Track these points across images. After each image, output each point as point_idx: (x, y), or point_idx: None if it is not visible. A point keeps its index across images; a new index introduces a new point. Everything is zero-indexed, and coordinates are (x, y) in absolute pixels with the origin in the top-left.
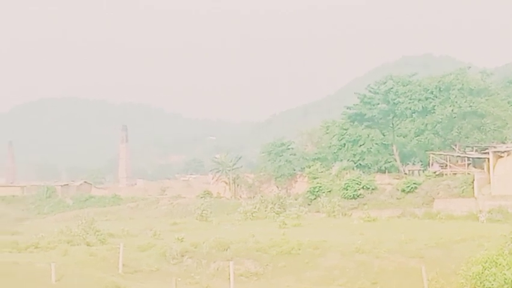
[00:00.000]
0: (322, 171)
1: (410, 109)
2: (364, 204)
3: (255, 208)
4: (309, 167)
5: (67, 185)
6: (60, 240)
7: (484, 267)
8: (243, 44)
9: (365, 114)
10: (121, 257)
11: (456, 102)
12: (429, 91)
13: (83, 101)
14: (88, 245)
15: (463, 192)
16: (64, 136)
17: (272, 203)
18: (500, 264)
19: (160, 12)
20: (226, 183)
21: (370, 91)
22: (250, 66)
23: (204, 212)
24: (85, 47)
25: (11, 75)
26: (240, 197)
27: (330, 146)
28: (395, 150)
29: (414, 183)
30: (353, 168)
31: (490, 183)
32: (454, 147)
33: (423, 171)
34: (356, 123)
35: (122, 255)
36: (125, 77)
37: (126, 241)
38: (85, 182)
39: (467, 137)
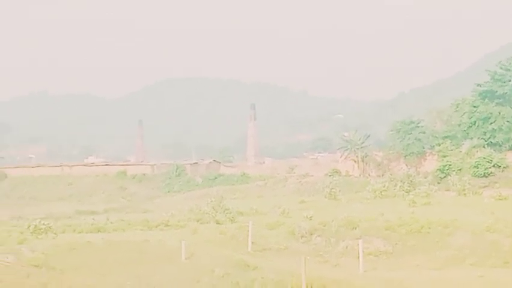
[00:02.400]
0: (452, 150)
1: None
2: (495, 183)
3: (384, 186)
4: (439, 145)
5: (196, 163)
6: (190, 218)
7: None
8: (370, 23)
9: (496, 92)
10: (250, 235)
11: None
12: None
13: (213, 80)
14: (217, 223)
15: None
16: (194, 115)
17: (401, 181)
18: None
19: None
20: (354, 161)
21: (501, 68)
22: (379, 45)
23: (332, 190)
24: (213, 31)
25: (143, 54)
26: (369, 175)
27: (460, 124)
28: None
29: None
30: (484, 146)
31: None
32: None
33: None
34: (486, 100)
35: (251, 233)
36: (253, 56)
37: (255, 219)
38: (214, 160)
39: None
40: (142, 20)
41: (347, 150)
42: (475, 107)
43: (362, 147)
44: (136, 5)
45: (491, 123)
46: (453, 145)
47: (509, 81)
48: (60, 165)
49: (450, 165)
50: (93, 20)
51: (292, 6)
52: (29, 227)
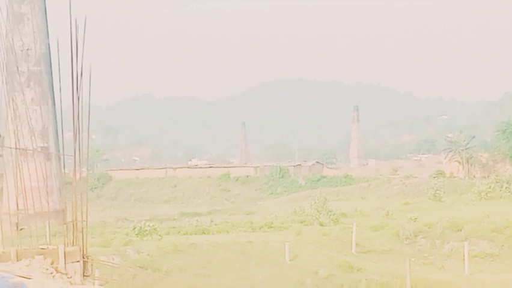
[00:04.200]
0: None
1: None
2: None
3: (489, 188)
4: None
5: (300, 165)
6: (293, 220)
7: None
8: (476, 23)
9: None
10: (354, 237)
11: None
12: None
13: (316, 83)
14: (320, 225)
15: None
16: (297, 117)
17: (507, 182)
18: None
19: None
20: (459, 162)
21: None
22: (484, 45)
23: (436, 191)
24: (316, 35)
25: (246, 57)
26: (474, 176)
27: None
28: None
29: None
30: None
31: None
32: None
33: None
34: None
35: (355, 234)
36: (357, 58)
37: (358, 221)
38: (317, 162)
39: None
40: (244, 24)
41: (451, 151)
42: None
43: (466, 149)
44: (240, 8)
45: None
46: None
47: None
48: (165, 168)
49: None
50: (194, 26)
51: (396, 6)
52: (134, 228)
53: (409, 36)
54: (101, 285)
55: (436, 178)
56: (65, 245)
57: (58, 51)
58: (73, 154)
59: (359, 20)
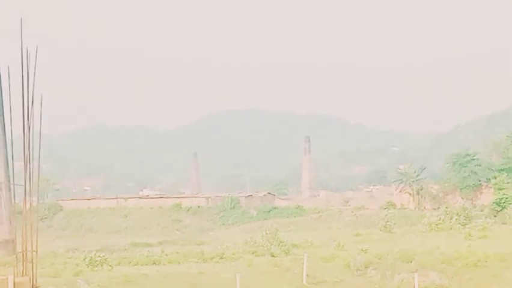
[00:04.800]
0: (508, 182)
1: None
2: None
3: (439, 219)
4: (495, 178)
5: (251, 196)
6: (244, 250)
7: None
8: (425, 55)
9: None
10: (305, 268)
11: None
12: None
13: (268, 113)
14: (272, 256)
15: None
16: (249, 147)
17: (457, 214)
18: None
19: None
20: (410, 194)
21: None
22: (433, 77)
23: (387, 223)
24: (266, 64)
25: (198, 87)
26: (424, 208)
27: None
28: None
29: None
30: None
31: None
32: None
33: None
34: None
35: (306, 265)
36: (308, 88)
37: (310, 252)
38: (269, 193)
39: None
40: (196, 52)
41: (402, 183)
42: None
43: (417, 180)
44: (192, 35)
45: None
46: (509, 178)
47: None
48: (116, 198)
49: (507, 198)
50: (144, 51)
51: (349, 39)
52: (84, 259)
53: (359, 67)
54: None
55: (387, 209)
56: (15, 275)
57: (9, 79)
58: (23, 184)
59: (311, 50)
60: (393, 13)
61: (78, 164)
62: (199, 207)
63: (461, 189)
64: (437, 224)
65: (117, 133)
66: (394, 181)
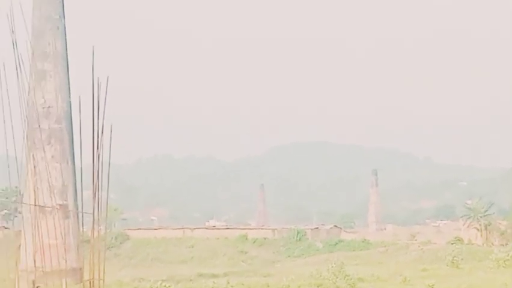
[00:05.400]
0: None
1: None
2: None
3: (507, 255)
4: None
5: (317, 228)
6: (310, 283)
7: None
8: (490, 93)
9: None
10: None
11: None
12: None
13: (336, 146)
14: None
15: None
16: (316, 179)
17: None
18: None
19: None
20: (477, 229)
21: None
22: (503, 113)
23: (454, 258)
24: (335, 97)
25: (267, 119)
26: (492, 244)
27: None
28: None
29: None
30: None
31: None
32: None
33: None
34: None
35: None
36: (377, 123)
37: (376, 286)
38: (335, 225)
39: None
40: (265, 87)
41: (470, 218)
42: None
43: (485, 216)
44: (261, 73)
45: None
46: None
47: None
48: (182, 228)
49: None
50: (212, 84)
51: (414, 75)
52: None
53: (429, 102)
54: None
55: (454, 244)
56: None
57: (80, 109)
58: (92, 212)
59: (378, 87)
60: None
61: (145, 193)
62: (265, 238)
63: None
64: (505, 261)
65: (185, 163)
66: (462, 216)
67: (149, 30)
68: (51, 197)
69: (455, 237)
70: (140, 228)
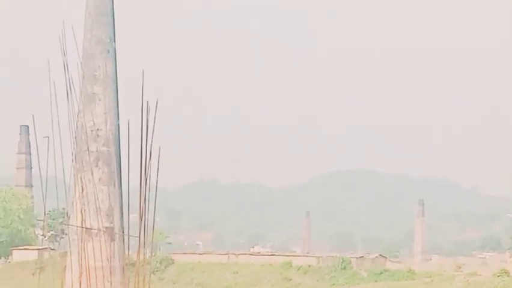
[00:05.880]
0: None
1: None
2: None
3: None
4: None
5: (362, 257)
6: None
7: None
8: None
9: None
10: None
11: None
12: None
13: (381, 174)
14: None
15: None
16: (361, 208)
17: None
18: None
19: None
20: None
21: None
22: None
23: None
24: (382, 126)
25: (313, 147)
26: None
27: None
28: None
29: None
30: None
31: None
32: None
33: None
34: None
35: None
36: (423, 150)
37: None
38: (380, 255)
39: None
40: (311, 112)
41: None
42: None
43: None
44: (305, 98)
45: None
46: None
47: None
48: (227, 253)
49: None
50: (262, 111)
51: (461, 103)
52: None
53: (476, 132)
54: None
55: (500, 277)
56: None
57: (128, 132)
58: (138, 235)
59: (424, 111)
60: None
61: (191, 217)
62: (309, 266)
63: None
64: None
65: (231, 188)
66: (508, 248)
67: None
68: (97, 219)
69: (501, 270)
70: (185, 253)
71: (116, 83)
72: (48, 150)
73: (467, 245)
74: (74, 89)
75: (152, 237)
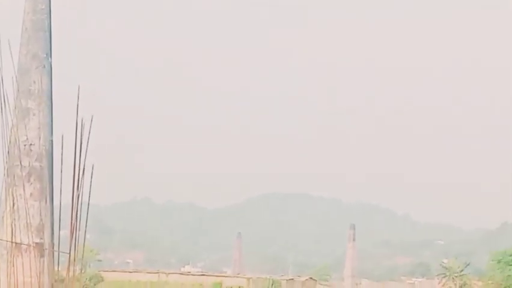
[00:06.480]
0: None
1: None
2: None
3: None
4: None
5: (292, 279)
6: None
7: None
8: (472, 153)
9: None
10: None
11: None
12: None
13: (316, 198)
14: None
15: None
16: (295, 231)
17: None
18: None
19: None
20: None
21: None
22: (484, 174)
23: None
24: (325, 147)
25: (248, 167)
26: None
27: None
28: None
29: None
30: None
31: None
32: None
33: None
34: None
35: None
36: (356, 178)
37: None
38: (311, 278)
39: None
40: (248, 133)
41: (445, 277)
42: None
43: (461, 275)
44: (244, 121)
45: None
46: None
47: None
48: (157, 272)
49: None
50: (199, 130)
51: (395, 125)
52: None
53: (408, 160)
54: None
55: None
56: None
57: (62, 148)
58: (68, 252)
59: (364, 140)
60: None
61: (122, 236)
62: (239, 287)
63: (504, 287)
64: None
65: (164, 208)
66: (437, 275)
67: (126, 67)
68: (28, 234)
69: None
70: (115, 271)
71: (51, 98)
72: None
73: (397, 271)
74: (9, 103)
75: (83, 254)
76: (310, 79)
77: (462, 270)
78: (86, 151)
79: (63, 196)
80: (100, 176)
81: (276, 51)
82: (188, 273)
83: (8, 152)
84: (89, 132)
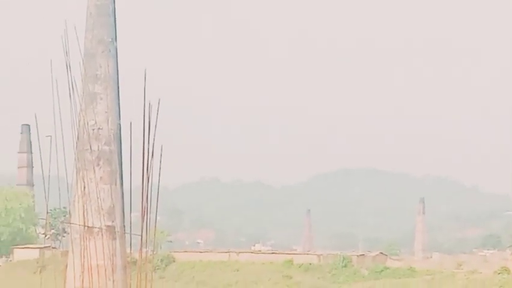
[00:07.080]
0: None
1: None
2: None
3: None
4: None
5: (363, 255)
6: None
7: None
8: None
9: None
10: None
11: None
12: None
13: (384, 173)
14: None
15: None
16: (363, 206)
17: None
18: None
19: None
20: None
21: None
22: None
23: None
24: (384, 119)
25: (314, 145)
26: None
27: None
28: None
29: None
30: None
31: None
32: None
33: None
34: None
35: None
36: (427, 150)
37: None
38: (381, 253)
39: None
40: (313, 113)
41: None
42: None
43: None
44: (309, 99)
45: None
46: None
47: None
48: (228, 252)
49: None
50: (263, 110)
51: (468, 108)
52: None
53: (478, 130)
54: None
55: (501, 275)
56: None
57: (131, 131)
58: (140, 234)
59: (428, 117)
60: None
61: (192, 216)
62: (310, 264)
63: None
64: None
65: (232, 187)
66: (509, 246)
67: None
68: (99, 218)
69: (502, 267)
70: (186, 251)
71: (118, 82)
72: (50, 149)
73: (467, 243)
74: (77, 89)
75: (154, 236)
76: None
77: None
78: (154, 134)
79: (133, 179)
80: (169, 158)
81: None
82: (258, 252)
83: (77, 136)
84: (157, 115)
